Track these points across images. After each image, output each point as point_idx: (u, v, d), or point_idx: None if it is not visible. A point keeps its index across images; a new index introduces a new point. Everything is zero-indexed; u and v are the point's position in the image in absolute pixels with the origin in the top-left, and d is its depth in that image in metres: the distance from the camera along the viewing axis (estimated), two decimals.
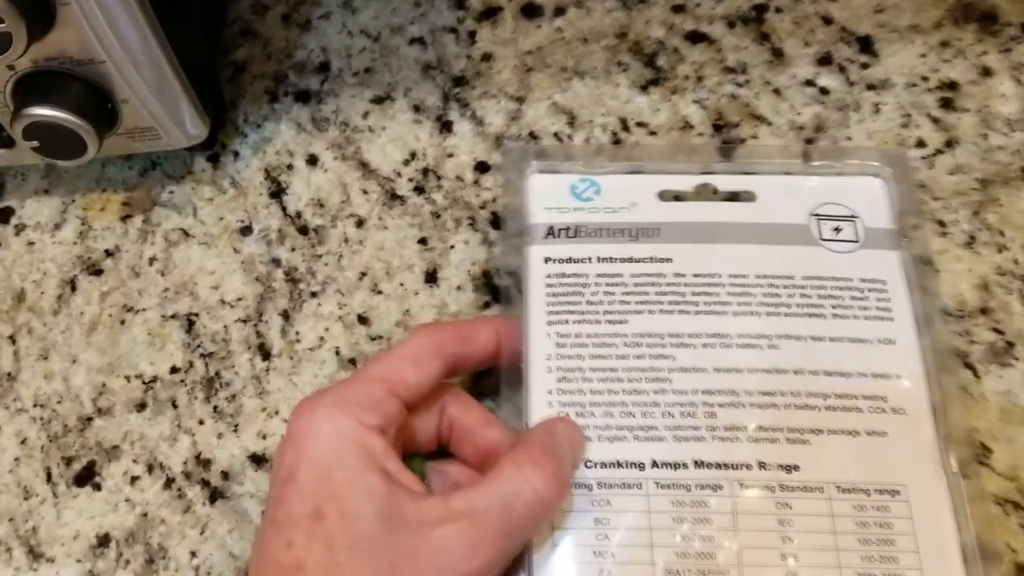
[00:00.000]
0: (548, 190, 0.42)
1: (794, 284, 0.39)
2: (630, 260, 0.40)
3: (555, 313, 0.39)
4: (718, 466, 0.36)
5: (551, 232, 0.41)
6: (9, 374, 0.43)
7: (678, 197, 0.42)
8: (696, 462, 0.36)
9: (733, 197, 0.42)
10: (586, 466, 0.36)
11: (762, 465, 0.36)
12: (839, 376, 0.37)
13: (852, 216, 0.41)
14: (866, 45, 0.46)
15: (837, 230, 0.40)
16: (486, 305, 0.42)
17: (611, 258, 0.40)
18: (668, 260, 0.40)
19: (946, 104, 0.44)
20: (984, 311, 0.40)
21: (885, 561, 0.34)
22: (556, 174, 0.43)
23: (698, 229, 0.41)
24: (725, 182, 0.42)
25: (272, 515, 0.32)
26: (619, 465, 0.36)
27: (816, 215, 0.41)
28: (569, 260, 0.40)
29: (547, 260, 0.40)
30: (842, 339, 0.38)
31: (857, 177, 0.42)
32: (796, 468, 0.36)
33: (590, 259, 0.40)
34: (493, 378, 0.40)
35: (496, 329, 0.38)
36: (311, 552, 0.30)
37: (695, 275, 0.40)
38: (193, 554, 0.39)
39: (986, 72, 0.45)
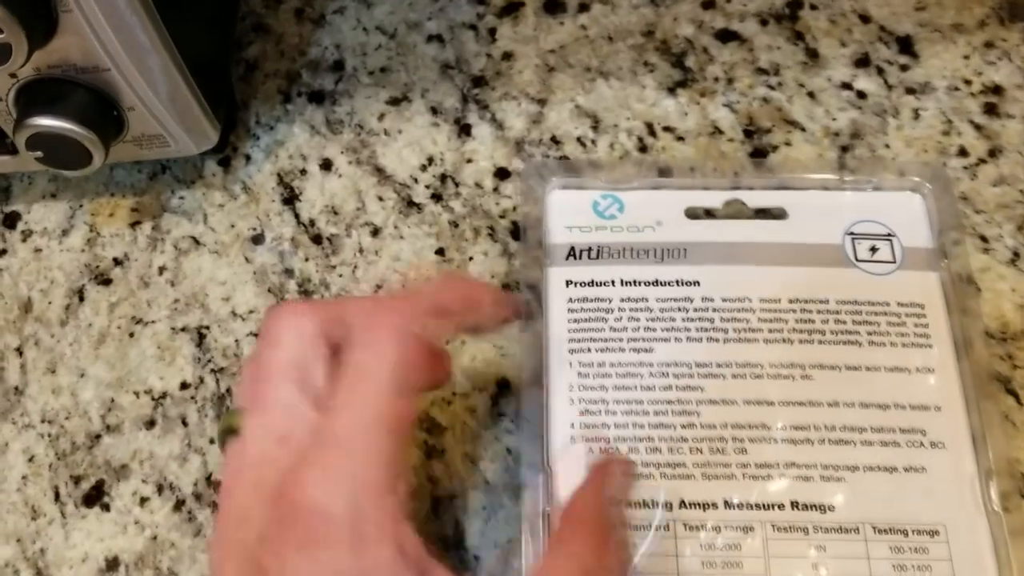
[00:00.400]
0: (569, 208, 0.41)
1: (828, 309, 0.38)
2: (656, 283, 0.39)
3: (577, 340, 0.38)
4: (749, 507, 0.34)
5: (572, 253, 0.40)
6: (16, 388, 0.42)
7: (707, 214, 0.40)
8: (726, 502, 0.35)
9: (763, 213, 0.40)
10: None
11: (795, 505, 0.34)
12: (876, 408, 0.36)
13: (889, 235, 0.39)
14: (906, 45, 0.44)
15: (873, 250, 0.39)
16: (505, 320, 0.41)
17: (636, 281, 0.39)
18: (696, 283, 0.38)
19: (990, 110, 0.42)
20: None
21: None
22: (578, 191, 0.41)
23: (727, 250, 0.39)
24: (755, 198, 0.40)
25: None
26: (646, 505, 0.35)
27: (851, 234, 0.39)
28: (591, 283, 0.39)
29: (568, 283, 0.39)
30: (879, 368, 0.36)
31: (895, 192, 0.40)
32: (831, 508, 0.34)
33: (613, 282, 0.39)
34: (513, 400, 0.38)
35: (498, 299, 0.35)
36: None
37: (724, 299, 0.38)
38: None
39: None
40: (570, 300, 0.39)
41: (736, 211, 0.40)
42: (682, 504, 0.35)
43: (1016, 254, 0.39)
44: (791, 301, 0.38)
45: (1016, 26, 0.43)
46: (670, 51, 0.45)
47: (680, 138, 0.43)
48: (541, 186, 0.41)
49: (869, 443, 0.35)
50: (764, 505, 0.34)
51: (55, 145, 0.38)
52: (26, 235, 0.45)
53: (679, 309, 0.38)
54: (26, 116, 0.37)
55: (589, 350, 0.38)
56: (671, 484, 0.35)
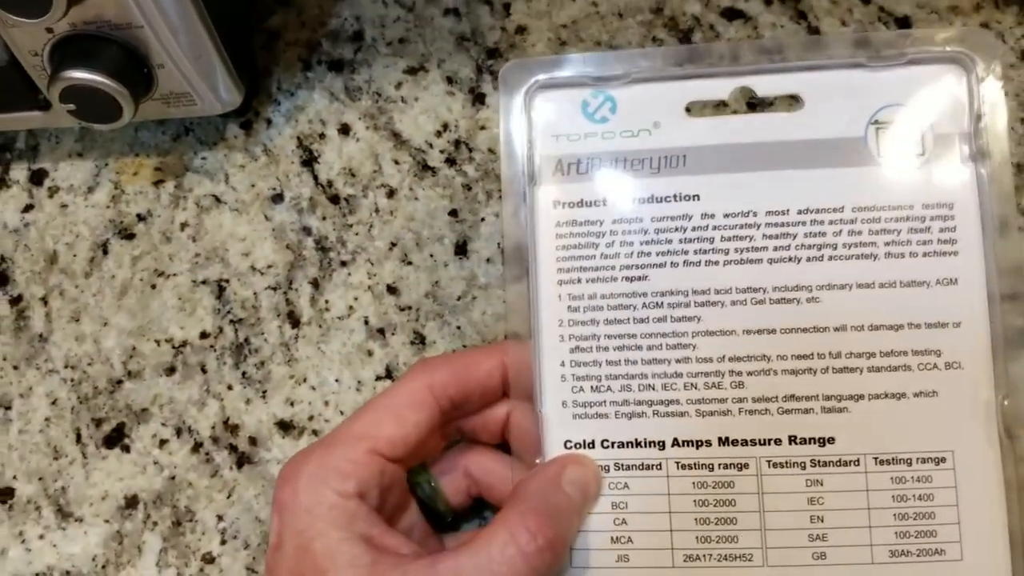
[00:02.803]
0: (555, 112, 0.36)
1: (842, 219, 0.34)
2: (651, 200, 0.35)
3: (566, 271, 0.35)
4: (744, 443, 0.34)
5: (560, 168, 0.36)
6: (41, 335, 0.43)
7: (710, 110, 0.37)
8: (721, 439, 0.34)
9: (775, 105, 0.36)
10: (603, 446, 0.34)
11: (793, 439, 0.33)
12: (887, 330, 0.33)
13: (919, 120, 0.34)
14: (904, 25, 0.45)
15: (900, 141, 0.34)
16: (516, 279, 0.42)
17: (629, 198, 0.36)
18: (695, 198, 0.35)
19: None
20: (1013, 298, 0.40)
21: (922, 536, 0.32)
22: (564, 89, 0.36)
23: (731, 153, 0.35)
24: (768, 84, 0.36)
25: None
26: (638, 444, 0.34)
27: (876, 123, 0.35)
28: (580, 203, 0.36)
29: (556, 204, 0.36)
30: (895, 284, 0.34)
31: (932, 66, 0.35)
32: (831, 441, 0.33)
33: (604, 201, 0.36)
34: None
35: (501, 358, 0.35)
36: None
37: (726, 215, 0.35)
38: (220, 518, 0.40)
39: None
40: (558, 224, 0.36)
41: (745, 104, 0.37)
42: (675, 442, 0.34)
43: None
44: (801, 212, 0.34)
45: (1010, 9, 0.45)
46: (678, 27, 0.47)
47: (687, 109, 0.45)
48: (522, 89, 0.37)
49: (877, 369, 0.33)
50: (760, 440, 0.34)
51: (88, 98, 0.39)
52: (53, 191, 0.46)
53: (676, 229, 0.35)
54: (61, 69, 0.39)
55: (579, 281, 0.35)
56: (663, 422, 0.34)
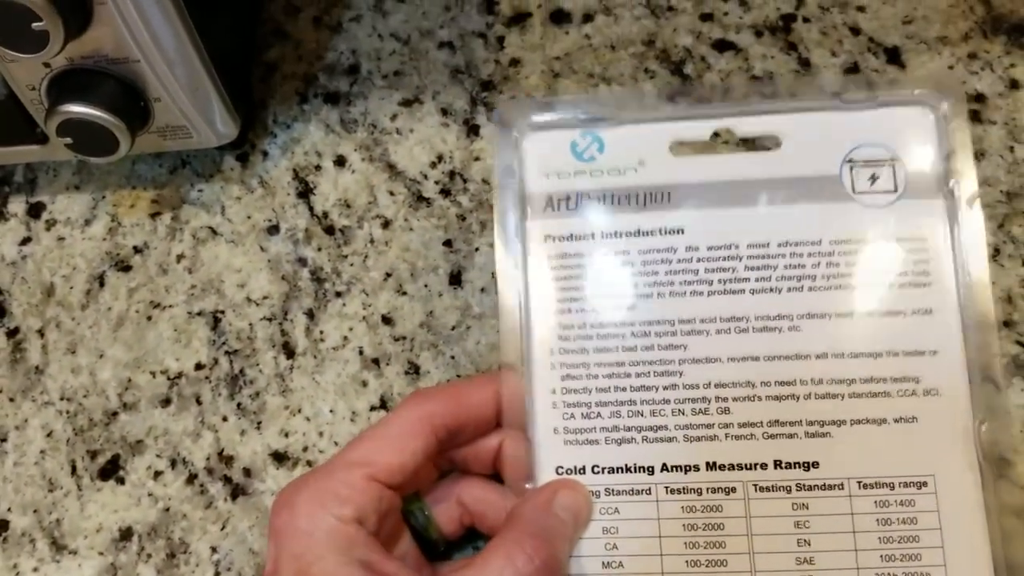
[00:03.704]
0: (546, 151, 0.38)
1: (820, 251, 0.35)
2: (638, 234, 0.36)
3: (557, 301, 0.36)
4: (731, 467, 0.34)
5: (551, 204, 0.37)
6: (37, 367, 0.44)
7: (693, 150, 0.38)
8: (708, 464, 0.34)
9: (754, 144, 0.38)
10: (594, 472, 0.35)
11: (778, 464, 0.34)
12: (867, 358, 0.34)
13: (892, 159, 0.36)
14: (894, 56, 0.46)
15: (873, 179, 0.36)
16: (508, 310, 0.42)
17: (616, 232, 0.37)
18: (680, 232, 0.36)
19: (974, 117, 0.44)
20: (1008, 324, 0.40)
21: (907, 560, 0.33)
22: (554, 130, 0.38)
23: (714, 190, 0.37)
24: (747, 125, 0.37)
25: None
26: (628, 470, 0.35)
27: (850, 161, 0.36)
28: (570, 237, 0.37)
29: (547, 238, 0.37)
30: (872, 313, 0.35)
31: (903, 108, 0.36)
32: (815, 465, 0.34)
33: (593, 235, 0.37)
34: None
35: (495, 389, 0.35)
36: None
37: (709, 248, 0.36)
38: (214, 549, 0.40)
39: (1014, 84, 0.44)
40: (549, 257, 0.37)
41: (726, 145, 0.38)
42: (664, 468, 0.35)
43: (997, 251, 0.41)
44: (781, 245, 0.36)
45: (998, 39, 0.46)
46: (670, 59, 0.47)
47: (671, 149, 0.45)
48: (515, 129, 0.38)
49: (857, 395, 0.34)
50: (747, 465, 0.34)
51: (84, 132, 0.40)
52: (50, 224, 0.47)
53: (662, 261, 0.36)
54: (58, 103, 0.39)
55: (570, 311, 0.36)
56: (652, 448, 0.35)
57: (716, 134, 0.38)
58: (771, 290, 0.36)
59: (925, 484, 0.34)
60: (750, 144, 0.38)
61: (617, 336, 0.36)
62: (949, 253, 0.35)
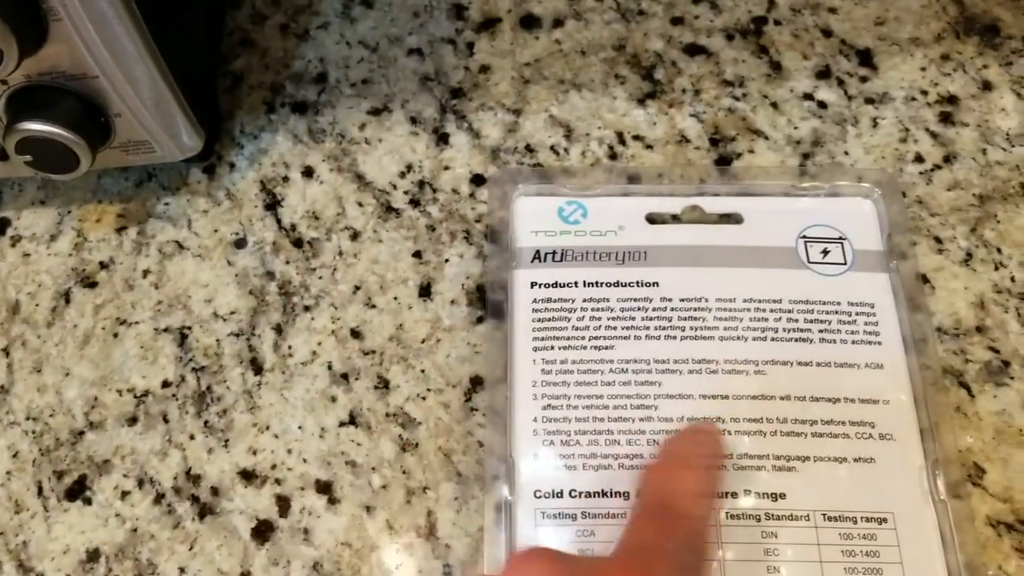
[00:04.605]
0: (535, 213, 0.43)
1: (781, 308, 0.39)
2: (616, 284, 0.40)
3: (541, 339, 0.40)
4: None
5: (537, 256, 0.41)
6: (2, 387, 0.43)
7: (667, 220, 0.42)
8: None
9: (722, 219, 0.42)
10: (571, 496, 0.36)
11: (747, 493, 0.36)
12: (827, 402, 0.37)
13: (841, 238, 0.41)
14: (866, 58, 0.46)
15: (825, 252, 0.41)
16: (479, 320, 0.42)
17: (597, 282, 0.41)
18: (655, 284, 0.40)
19: (945, 118, 0.44)
20: (980, 329, 0.40)
21: None
22: (543, 197, 0.43)
23: (685, 253, 0.41)
24: (713, 204, 0.42)
25: None
26: (604, 495, 0.36)
27: (804, 237, 0.41)
28: (555, 284, 0.41)
29: (533, 285, 0.41)
30: (830, 364, 0.38)
31: (847, 198, 0.42)
32: (783, 496, 0.36)
33: (576, 283, 0.41)
34: (485, 395, 0.40)
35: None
36: None
37: (682, 299, 0.40)
38: (182, 570, 0.39)
39: (986, 86, 0.44)
40: (535, 301, 0.40)
41: (695, 217, 0.42)
42: (639, 494, 0.35)
43: (969, 255, 0.41)
44: (746, 300, 0.40)
45: (971, 40, 0.45)
46: (640, 64, 0.47)
47: (649, 146, 0.45)
48: (511, 192, 0.43)
49: (819, 435, 0.37)
50: (718, 493, 0.36)
51: (44, 149, 0.39)
52: (15, 240, 0.46)
53: (639, 309, 0.40)
54: (16, 121, 0.38)
55: (552, 348, 0.39)
56: (628, 475, 0.36)
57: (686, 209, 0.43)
58: (737, 338, 0.39)
59: (885, 520, 0.35)
60: (719, 218, 0.42)
61: (596, 372, 0.39)
62: (895, 320, 0.39)
